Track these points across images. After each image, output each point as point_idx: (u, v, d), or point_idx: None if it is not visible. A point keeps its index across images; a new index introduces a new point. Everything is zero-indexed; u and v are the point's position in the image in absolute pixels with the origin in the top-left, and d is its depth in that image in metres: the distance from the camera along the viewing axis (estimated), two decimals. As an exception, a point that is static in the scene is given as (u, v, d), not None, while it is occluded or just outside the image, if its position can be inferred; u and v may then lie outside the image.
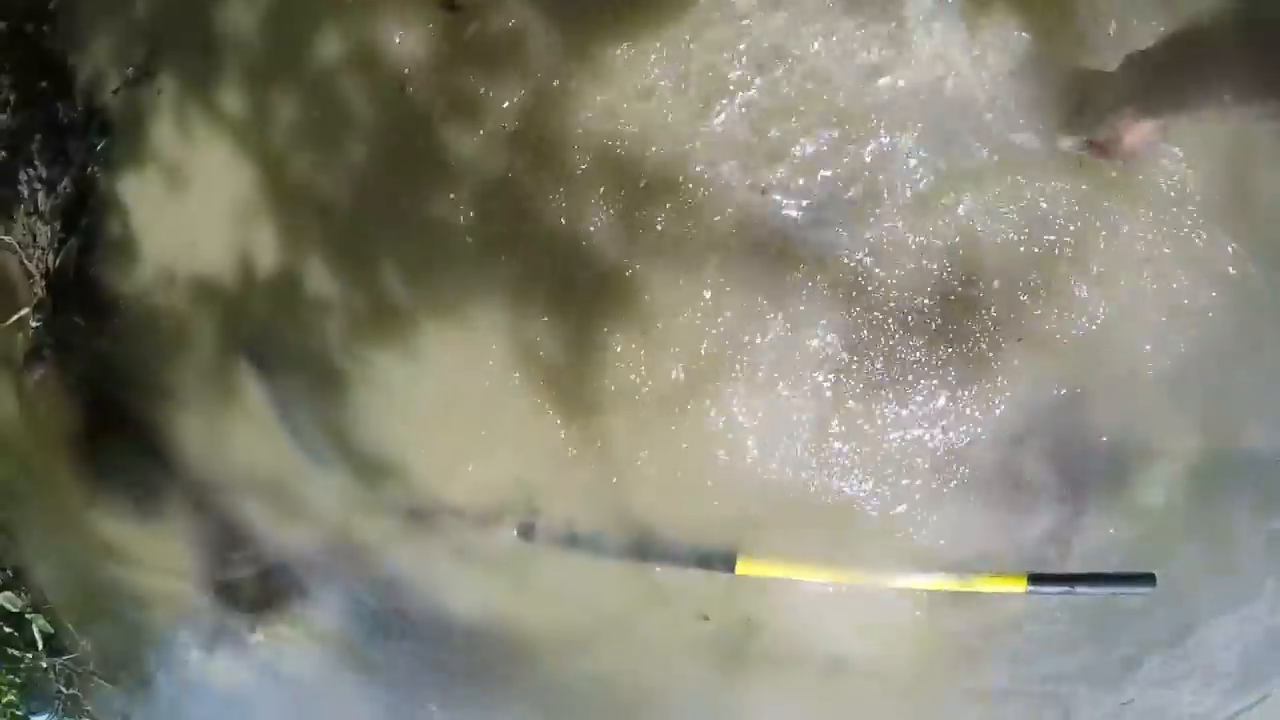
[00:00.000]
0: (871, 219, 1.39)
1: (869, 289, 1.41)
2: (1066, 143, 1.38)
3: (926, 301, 1.40)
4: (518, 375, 1.52)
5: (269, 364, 1.72)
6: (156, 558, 1.96)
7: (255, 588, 1.92)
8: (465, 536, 1.64)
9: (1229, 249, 1.43)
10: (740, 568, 1.53)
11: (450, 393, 1.57)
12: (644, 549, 1.54)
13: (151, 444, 1.89)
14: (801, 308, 1.42)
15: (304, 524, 1.80)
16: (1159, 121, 1.30)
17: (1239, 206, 1.42)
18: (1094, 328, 1.41)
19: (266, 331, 1.71)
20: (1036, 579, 1.52)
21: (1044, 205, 1.40)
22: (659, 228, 1.43)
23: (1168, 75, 1.31)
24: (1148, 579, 1.55)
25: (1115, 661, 1.65)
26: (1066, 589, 1.54)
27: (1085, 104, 1.37)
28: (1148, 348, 1.44)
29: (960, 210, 1.39)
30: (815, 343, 1.43)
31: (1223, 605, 1.61)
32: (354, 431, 1.66)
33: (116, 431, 1.92)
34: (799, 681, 1.68)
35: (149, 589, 2.08)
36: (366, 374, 1.62)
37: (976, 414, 1.44)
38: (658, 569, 1.58)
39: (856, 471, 1.47)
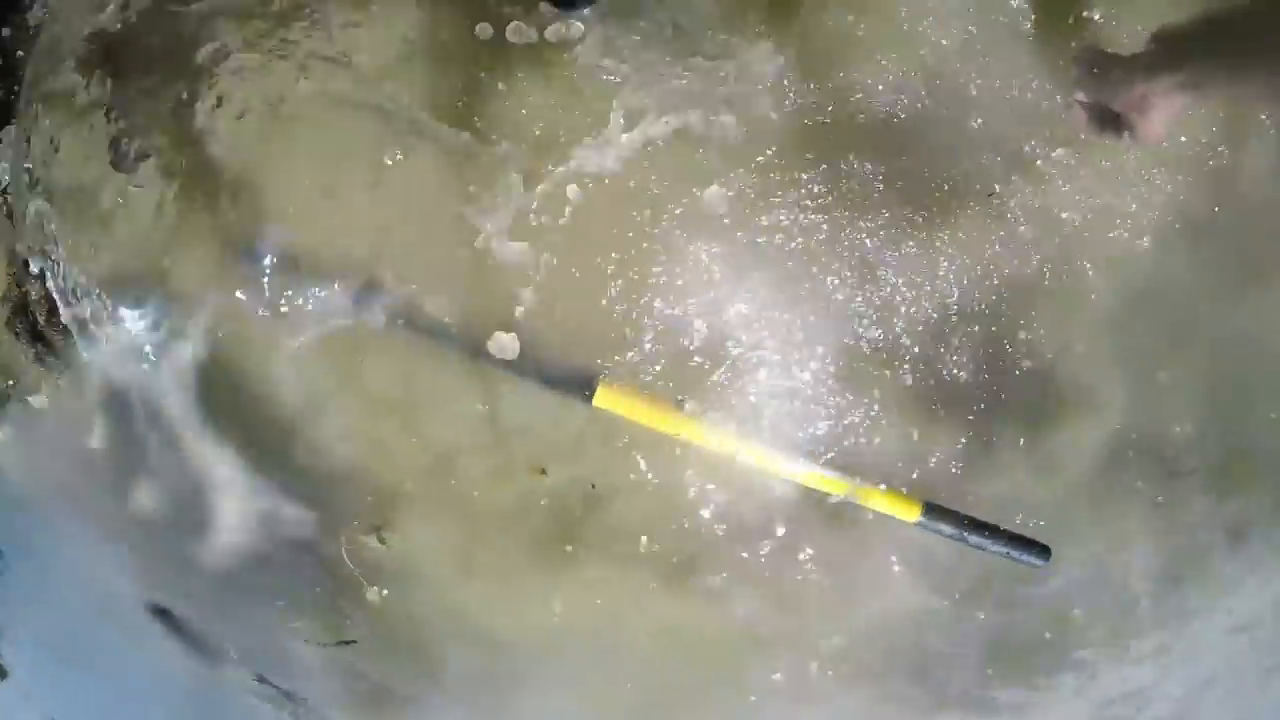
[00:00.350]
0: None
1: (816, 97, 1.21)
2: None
3: (883, 128, 1.20)
4: (408, 107, 1.26)
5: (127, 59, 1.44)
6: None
7: (44, 316, 1.58)
8: (295, 292, 1.33)
9: (1208, 216, 1.31)
10: (600, 398, 1.25)
11: (326, 106, 1.29)
12: (490, 350, 1.26)
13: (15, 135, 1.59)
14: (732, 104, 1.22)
15: (109, 251, 1.47)
16: (1187, 99, 1.21)
17: (1226, 176, 1.31)
18: (1056, 222, 1.24)
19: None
20: (931, 512, 1.31)
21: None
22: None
23: (1202, 55, 1.23)
24: (1043, 551, 1.35)
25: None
26: (958, 533, 1.31)
27: (1107, 69, 1.26)
28: (1103, 270, 1.27)
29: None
30: (744, 147, 1.21)
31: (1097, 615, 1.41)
32: (204, 138, 1.37)
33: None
34: (632, 585, 1.39)
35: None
36: (236, 72, 1.34)
37: (911, 275, 1.22)
38: (503, 386, 1.29)
39: (756, 321, 1.23)
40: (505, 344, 1.26)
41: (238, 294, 1.36)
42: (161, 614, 1.72)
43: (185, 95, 1.41)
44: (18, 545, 1.88)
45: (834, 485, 1.27)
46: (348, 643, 1.60)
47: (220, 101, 1.40)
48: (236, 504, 1.52)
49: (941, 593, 1.39)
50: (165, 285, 1.42)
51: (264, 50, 1.36)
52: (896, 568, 1.36)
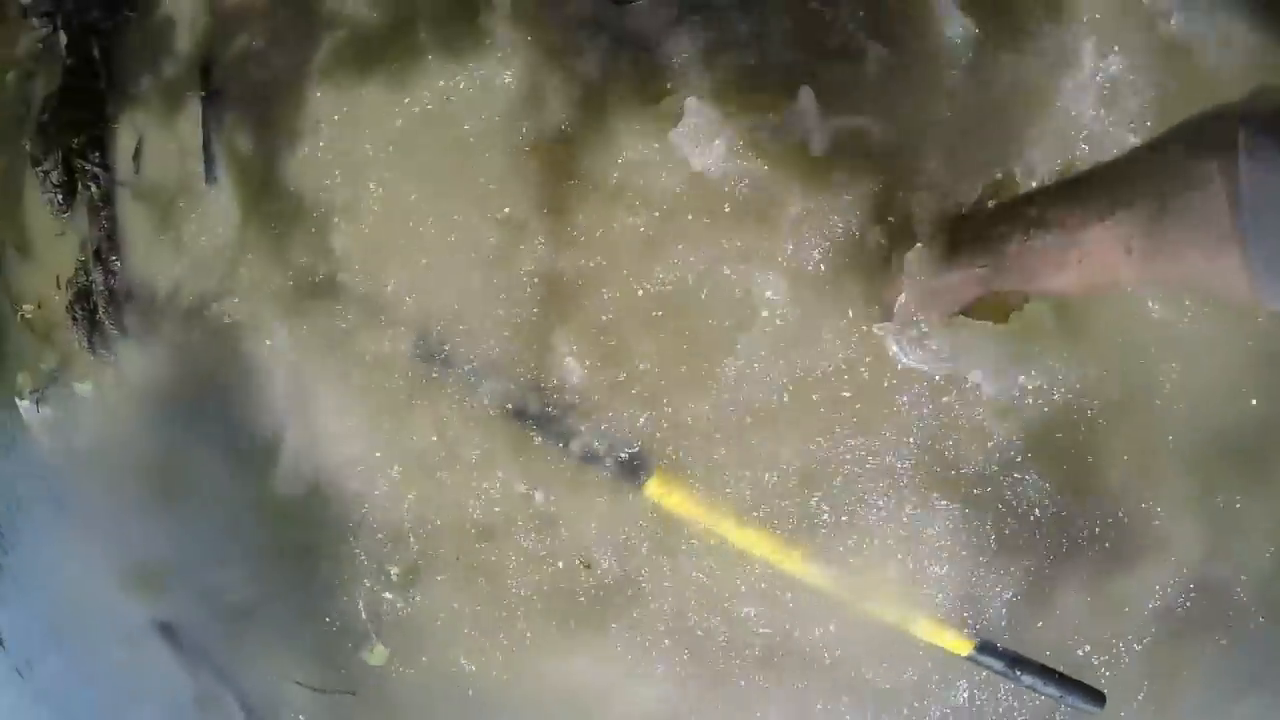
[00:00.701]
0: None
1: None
2: None
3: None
4: (498, 182, 1.25)
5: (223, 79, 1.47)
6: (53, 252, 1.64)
7: (104, 307, 1.57)
8: (356, 332, 1.29)
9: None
10: (653, 486, 1.18)
11: (422, 163, 1.28)
12: (553, 421, 1.21)
13: (98, 133, 1.61)
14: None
15: (178, 260, 1.46)
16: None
17: None
18: (1133, 354, 1.19)
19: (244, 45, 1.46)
20: (985, 648, 1.21)
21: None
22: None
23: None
24: (1098, 697, 1.26)
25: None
26: (1010, 670, 1.24)
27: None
28: (1179, 405, 1.21)
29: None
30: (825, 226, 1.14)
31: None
32: (287, 173, 1.36)
33: (76, 106, 1.62)
34: (657, 696, 1.29)
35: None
36: (334, 109, 1.34)
37: (979, 404, 1.16)
38: (560, 469, 1.23)
39: (822, 421, 1.16)
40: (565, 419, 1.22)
41: (303, 328, 1.35)
42: (165, 629, 1.65)
43: (280, 119, 1.43)
44: (36, 526, 1.83)
45: (885, 610, 1.20)
46: (345, 693, 1.52)
47: (315, 130, 1.41)
48: (262, 533, 1.48)
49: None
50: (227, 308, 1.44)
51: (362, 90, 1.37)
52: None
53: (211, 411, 1.48)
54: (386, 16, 1.37)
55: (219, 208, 1.46)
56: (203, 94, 1.51)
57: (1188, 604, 1.28)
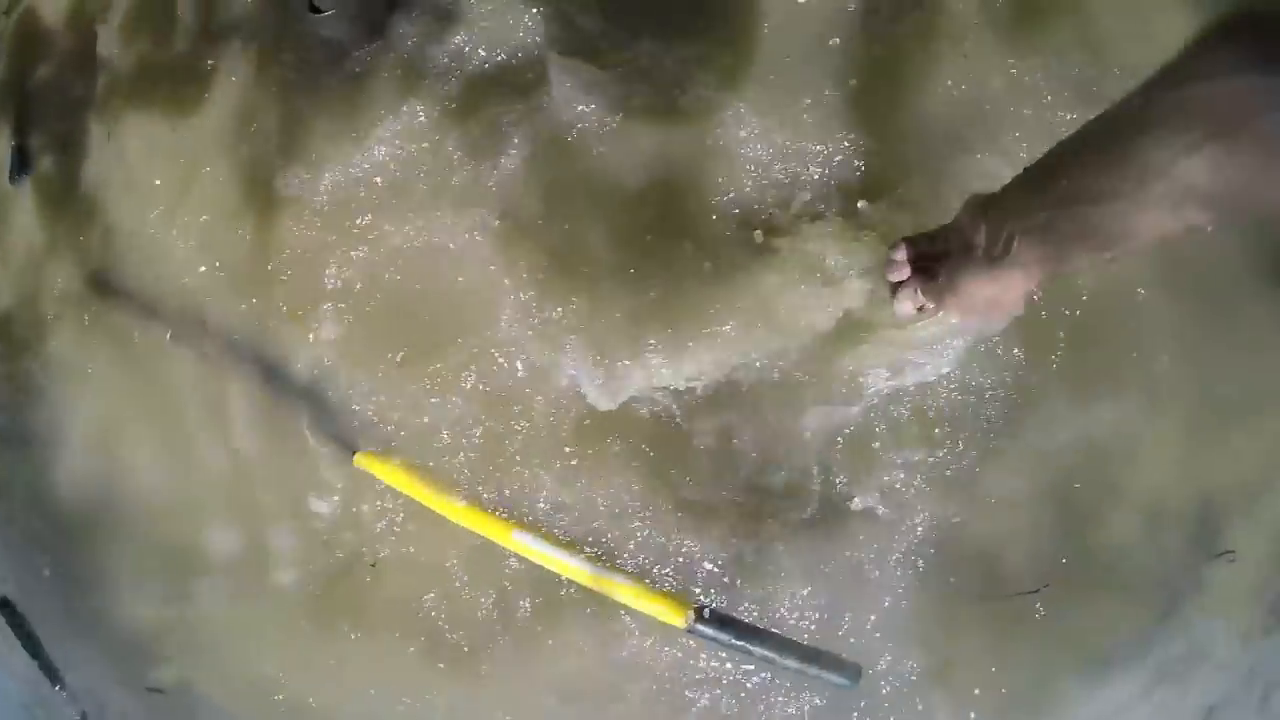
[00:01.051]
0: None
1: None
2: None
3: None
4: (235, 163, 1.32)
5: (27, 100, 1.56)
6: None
7: None
8: (120, 323, 1.36)
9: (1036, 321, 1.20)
10: (360, 458, 1.18)
11: (187, 165, 1.37)
12: (288, 385, 1.23)
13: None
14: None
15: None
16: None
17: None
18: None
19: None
20: (705, 618, 1.12)
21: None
22: None
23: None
24: (852, 671, 1.19)
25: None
26: (741, 644, 1.16)
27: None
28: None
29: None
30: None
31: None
32: (81, 182, 1.46)
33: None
34: (414, 664, 1.28)
35: None
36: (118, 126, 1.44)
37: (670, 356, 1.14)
38: (292, 445, 1.24)
39: (522, 395, 1.17)
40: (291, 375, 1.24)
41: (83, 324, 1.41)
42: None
43: (74, 134, 1.51)
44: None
45: (598, 580, 1.13)
46: (155, 690, 1.54)
47: (102, 143, 1.49)
48: (50, 536, 1.52)
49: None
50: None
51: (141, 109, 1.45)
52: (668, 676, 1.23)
53: (19, 417, 1.55)
54: (156, 53, 1.47)
55: (24, 218, 1.54)
56: (10, 113, 1.62)
57: (947, 579, 1.22)
